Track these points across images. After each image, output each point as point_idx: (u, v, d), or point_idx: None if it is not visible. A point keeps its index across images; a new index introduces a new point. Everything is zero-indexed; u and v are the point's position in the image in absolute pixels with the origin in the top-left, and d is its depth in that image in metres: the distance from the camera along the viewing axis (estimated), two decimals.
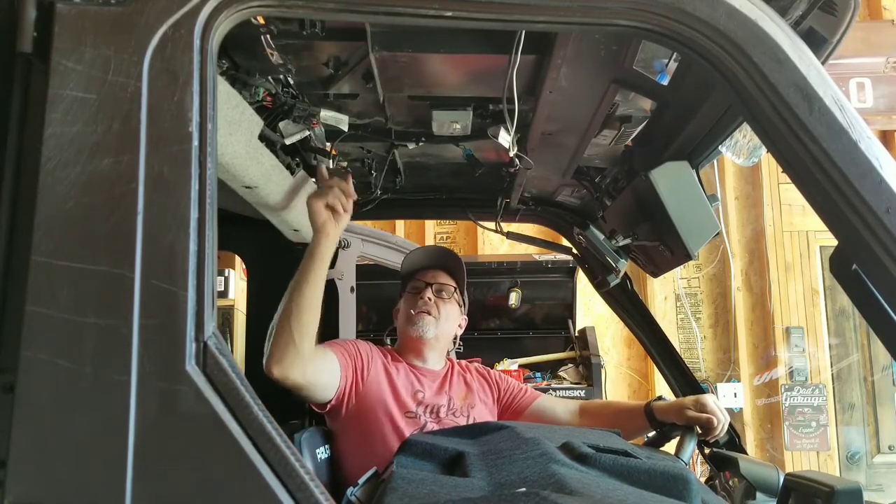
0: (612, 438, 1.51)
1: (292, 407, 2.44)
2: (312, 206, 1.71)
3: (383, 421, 1.86)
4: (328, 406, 1.85)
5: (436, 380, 2.02)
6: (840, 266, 1.04)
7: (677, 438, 1.85)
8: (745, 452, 2.06)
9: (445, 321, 2.06)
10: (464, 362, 2.17)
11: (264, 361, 1.63)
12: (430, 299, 2.04)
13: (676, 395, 2.26)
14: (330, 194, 1.71)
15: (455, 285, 2.12)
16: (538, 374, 4.15)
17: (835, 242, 1.03)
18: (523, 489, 1.00)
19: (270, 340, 1.63)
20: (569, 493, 0.96)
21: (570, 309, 4.46)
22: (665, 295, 5.37)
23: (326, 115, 1.76)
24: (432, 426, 1.89)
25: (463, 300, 2.16)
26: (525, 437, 1.32)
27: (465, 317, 2.19)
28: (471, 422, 1.95)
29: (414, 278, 2.11)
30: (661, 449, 1.82)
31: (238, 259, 4.39)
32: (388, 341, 3.33)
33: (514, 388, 2.11)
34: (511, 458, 1.19)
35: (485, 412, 2.02)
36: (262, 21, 1.36)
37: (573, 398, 3.99)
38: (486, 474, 1.14)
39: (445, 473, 1.22)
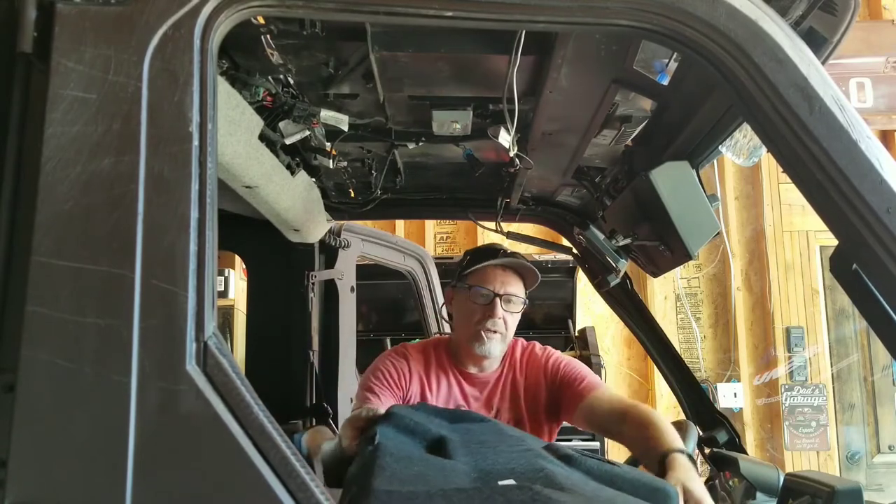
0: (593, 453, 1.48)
1: (292, 407, 2.44)
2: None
3: None
4: None
5: (485, 388, 1.89)
6: (840, 266, 1.04)
7: None
8: (745, 452, 2.06)
9: (511, 333, 1.89)
10: (527, 351, 1.96)
11: None
12: (501, 319, 1.83)
13: (676, 396, 2.26)
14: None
15: (524, 297, 1.90)
16: None
17: (835, 242, 1.03)
18: (513, 482, 1.00)
19: None
20: (559, 488, 0.96)
21: (570, 309, 4.47)
22: (665, 295, 5.37)
23: (326, 114, 1.76)
24: None
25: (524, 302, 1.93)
26: (508, 433, 1.31)
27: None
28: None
29: (483, 280, 1.86)
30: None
31: (238, 259, 4.39)
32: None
33: (569, 376, 1.88)
34: (496, 449, 1.18)
35: (536, 420, 1.88)
36: (262, 21, 1.36)
37: None
38: (470, 459, 1.13)
39: (427, 451, 1.21)
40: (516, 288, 1.87)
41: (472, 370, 1.90)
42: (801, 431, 5.04)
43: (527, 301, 1.91)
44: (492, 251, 1.95)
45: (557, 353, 1.98)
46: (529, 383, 1.91)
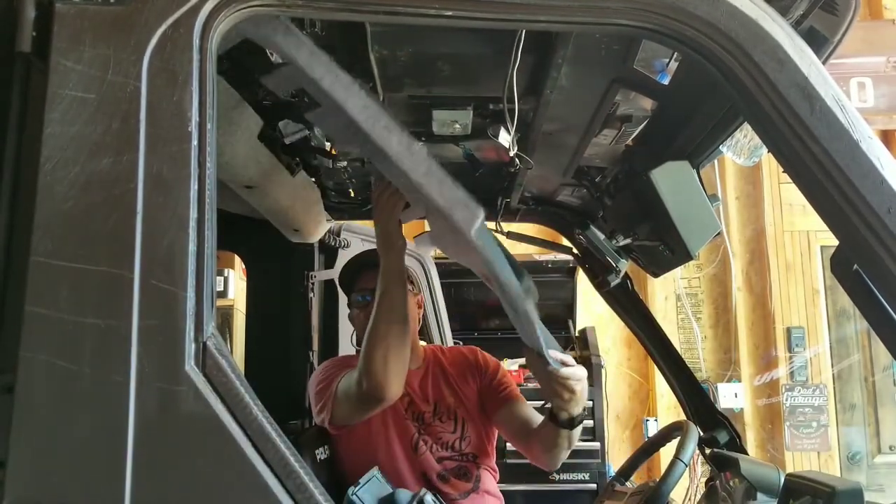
0: None
1: (292, 407, 2.44)
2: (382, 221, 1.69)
3: (382, 431, 1.85)
4: (341, 430, 1.83)
5: (415, 381, 1.96)
6: (841, 266, 1.03)
7: (678, 439, 1.85)
8: (746, 453, 2.06)
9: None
10: (446, 350, 2.10)
11: (378, 387, 1.65)
12: None
13: (677, 396, 2.26)
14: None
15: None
16: None
17: (836, 242, 1.02)
18: None
19: (379, 366, 1.64)
20: None
21: (570, 309, 4.46)
22: (665, 295, 5.36)
23: None
24: (419, 438, 1.87)
25: (410, 282, 2.01)
26: None
27: (420, 295, 2.09)
28: (459, 424, 1.93)
29: (355, 290, 2.01)
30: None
31: (238, 259, 4.39)
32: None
33: (498, 380, 2.02)
34: None
35: (472, 410, 1.97)
36: None
37: None
38: None
39: None
40: None
41: None
42: (801, 432, 5.04)
43: (411, 287, 1.96)
44: (356, 259, 2.08)
45: (484, 352, 2.10)
46: (459, 378, 2.00)
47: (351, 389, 1.71)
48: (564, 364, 1.55)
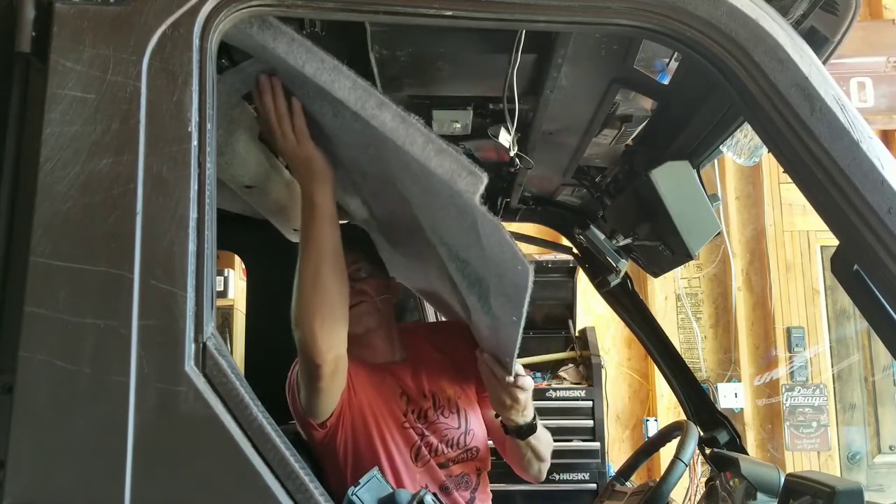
0: None
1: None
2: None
3: (378, 440, 1.70)
4: (326, 427, 1.65)
5: (406, 376, 1.78)
6: (841, 266, 1.03)
7: (678, 439, 1.85)
8: (746, 453, 2.06)
9: (378, 298, 1.78)
10: (422, 328, 1.98)
11: (316, 353, 1.53)
12: (357, 289, 1.72)
13: (677, 396, 2.26)
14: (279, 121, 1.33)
15: (364, 259, 1.81)
16: (538, 374, 4.14)
17: (836, 242, 1.02)
18: None
19: (315, 328, 1.52)
20: None
21: (570, 309, 4.46)
22: (665, 295, 5.36)
23: None
24: (421, 443, 1.71)
25: (376, 264, 1.86)
26: None
27: (394, 278, 1.90)
28: (462, 417, 1.77)
29: None
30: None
31: (238, 259, 4.39)
32: None
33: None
34: None
35: (472, 395, 1.83)
36: None
37: (573, 398, 4.01)
38: None
39: None
40: (350, 257, 1.70)
41: (379, 360, 1.79)
42: (801, 432, 5.04)
43: (367, 261, 1.82)
44: None
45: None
46: (453, 355, 1.83)
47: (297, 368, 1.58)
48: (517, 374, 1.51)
